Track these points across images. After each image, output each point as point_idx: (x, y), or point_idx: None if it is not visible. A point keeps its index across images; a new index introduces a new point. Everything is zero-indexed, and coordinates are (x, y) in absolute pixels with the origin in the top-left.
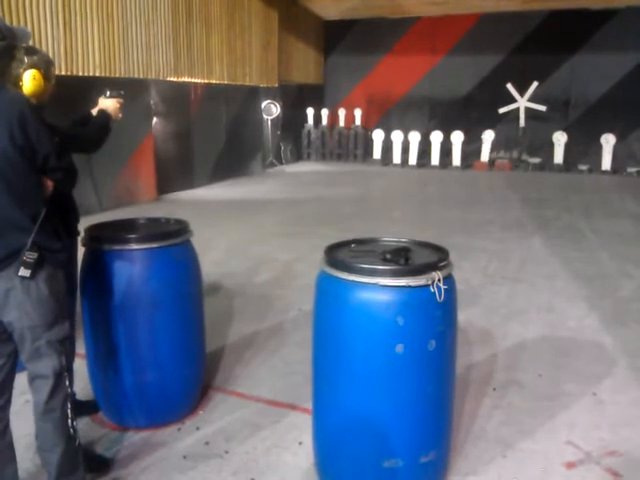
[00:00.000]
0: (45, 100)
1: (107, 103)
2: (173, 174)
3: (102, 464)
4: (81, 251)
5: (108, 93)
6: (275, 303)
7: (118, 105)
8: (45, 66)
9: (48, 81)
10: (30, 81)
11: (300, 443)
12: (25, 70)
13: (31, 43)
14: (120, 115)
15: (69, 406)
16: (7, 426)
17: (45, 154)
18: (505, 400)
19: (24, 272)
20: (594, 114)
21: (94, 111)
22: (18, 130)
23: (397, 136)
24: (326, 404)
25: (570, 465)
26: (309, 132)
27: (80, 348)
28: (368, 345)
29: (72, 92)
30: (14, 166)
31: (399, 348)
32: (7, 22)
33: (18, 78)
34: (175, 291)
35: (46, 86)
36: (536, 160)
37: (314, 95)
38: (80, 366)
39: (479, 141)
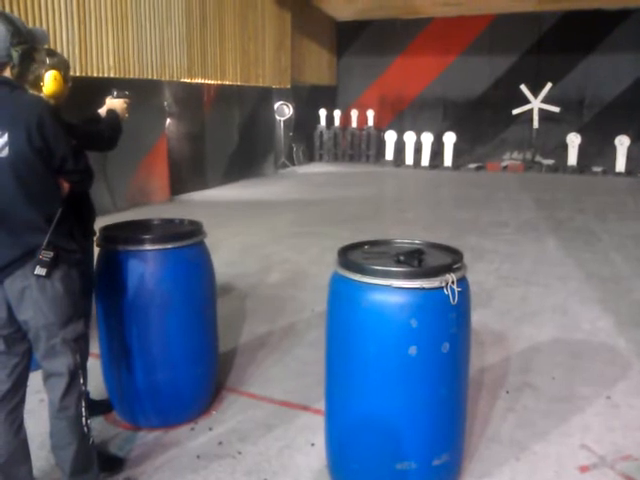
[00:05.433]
0: (62, 101)
1: (115, 103)
2: (186, 175)
3: (115, 463)
4: (96, 251)
5: (115, 93)
6: (288, 304)
7: (125, 105)
8: (64, 68)
9: (66, 83)
10: (51, 82)
11: (312, 444)
12: (46, 71)
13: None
14: (127, 115)
15: (83, 404)
16: (21, 424)
17: (62, 156)
18: (519, 403)
19: (40, 271)
20: (608, 115)
21: (101, 111)
22: (36, 132)
23: (410, 137)
24: (339, 405)
25: (584, 469)
26: (321, 133)
27: (94, 348)
28: (381, 347)
29: (87, 93)
30: (31, 167)
31: (412, 350)
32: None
33: (39, 79)
34: (188, 292)
35: (65, 87)
36: (550, 162)
37: (327, 96)
38: (94, 365)
39: (494, 142)
